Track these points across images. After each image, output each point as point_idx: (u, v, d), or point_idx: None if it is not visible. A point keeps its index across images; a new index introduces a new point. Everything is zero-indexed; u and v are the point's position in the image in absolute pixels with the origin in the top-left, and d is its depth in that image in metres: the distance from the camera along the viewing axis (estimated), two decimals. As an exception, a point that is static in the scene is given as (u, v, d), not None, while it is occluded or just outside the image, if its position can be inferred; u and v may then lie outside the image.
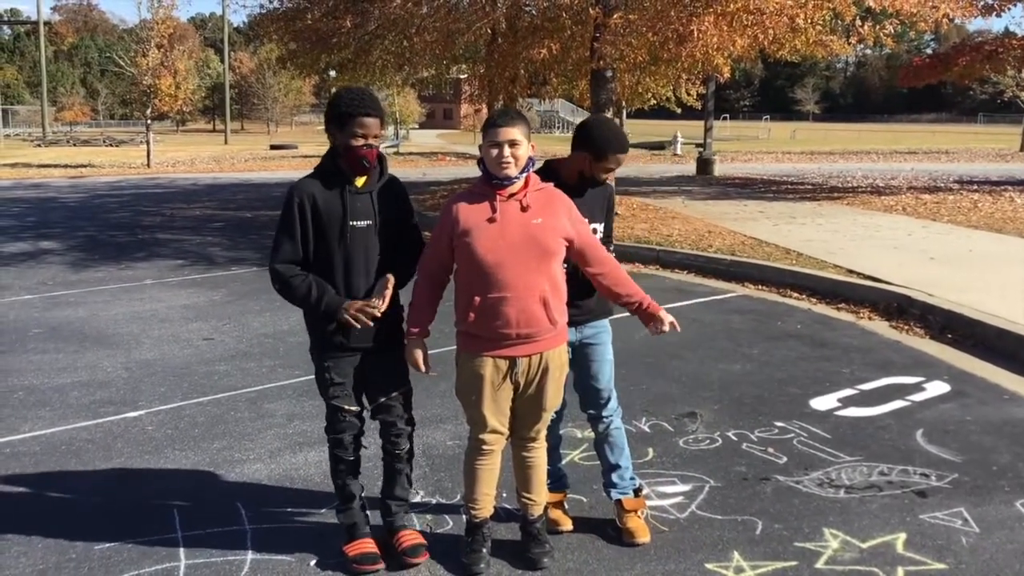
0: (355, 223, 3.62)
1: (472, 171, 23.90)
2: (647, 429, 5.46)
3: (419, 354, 3.64)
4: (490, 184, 3.54)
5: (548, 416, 3.78)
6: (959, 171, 28.31)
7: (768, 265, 10.26)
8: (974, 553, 3.92)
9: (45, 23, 68.52)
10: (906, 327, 7.94)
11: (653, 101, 22.11)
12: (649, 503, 4.30)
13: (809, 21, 12.71)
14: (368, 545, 3.83)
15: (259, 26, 20.56)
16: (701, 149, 29.44)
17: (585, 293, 3.87)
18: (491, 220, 3.49)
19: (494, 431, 3.68)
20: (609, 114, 14.29)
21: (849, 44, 15.08)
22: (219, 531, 4.12)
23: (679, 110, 24.16)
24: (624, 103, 22.22)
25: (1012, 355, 6.98)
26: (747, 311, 8.72)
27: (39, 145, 52.34)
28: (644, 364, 6.73)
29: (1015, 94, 52.36)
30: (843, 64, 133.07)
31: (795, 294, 9.37)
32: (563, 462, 4.34)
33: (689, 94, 22.44)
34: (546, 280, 3.54)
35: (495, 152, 3.48)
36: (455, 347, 3.69)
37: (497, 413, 3.66)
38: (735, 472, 4.80)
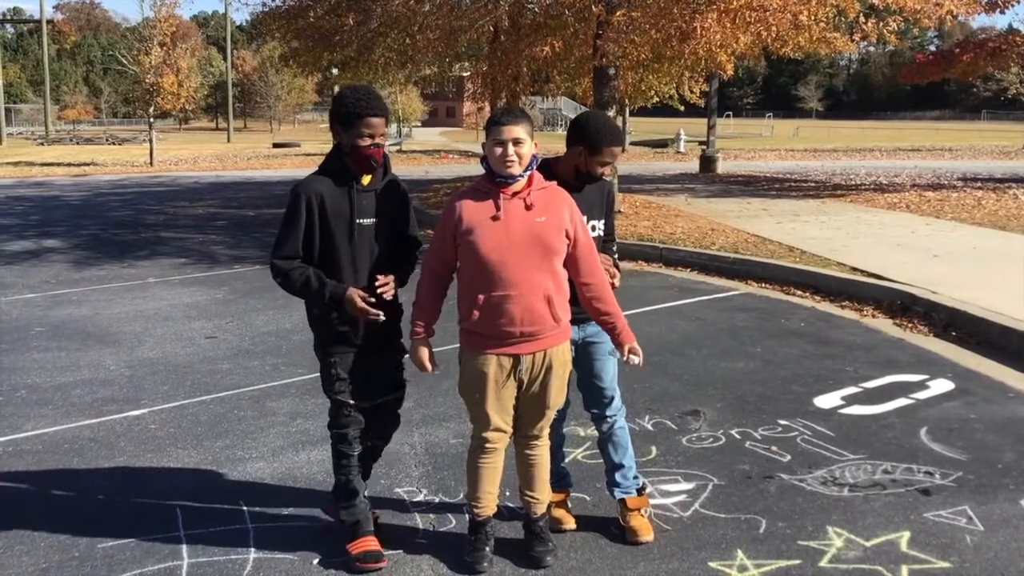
0: (362, 220, 3.66)
1: (475, 169, 23.91)
2: (650, 427, 5.46)
3: (424, 353, 3.64)
4: (494, 182, 3.54)
5: (552, 414, 3.78)
6: (963, 168, 28.27)
7: (771, 263, 10.24)
8: (978, 551, 3.90)
9: (48, 22, 68.58)
10: (910, 325, 7.92)
11: (656, 99, 22.06)
12: (652, 501, 4.30)
13: (812, 18, 12.69)
14: (371, 543, 3.83)
15: (261, 24, 20.57)
16: (704, 147, 29.40)
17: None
18: (495, 218, 3.49)
19: (498, 429, 3.68)
20: (612, 112, 14.28)
21: (852, 41, 15.05)
22: (222, 530, 4.12)
23: (682, 108, 24.10)
24: (627, 101, 22.22)
25: (1016, 353, 6.97)
26: (750, 309, 8.71)
27: (42, 143, 52.37)
28: (647, 362, 6.66)
29: (1019, 91, 52.23)
30: (846, 61, 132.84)
31: (799, 292, 9.36)
32: (566, 460, 4.34)
33: (692, 92, 22.37)
34: (550, 278, 3.54)
35: (499, 151, 3.47)
36: (458, 345, 3.68)
37: (501, 411, 3.65)
38: (739, 470, 4.79)
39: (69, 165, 32.34)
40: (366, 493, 3.95)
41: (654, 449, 5.10)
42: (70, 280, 10.46)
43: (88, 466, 4.92)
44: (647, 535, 3.97)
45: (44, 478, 4.76)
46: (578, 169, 3.89)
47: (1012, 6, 19.96)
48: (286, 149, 45.04)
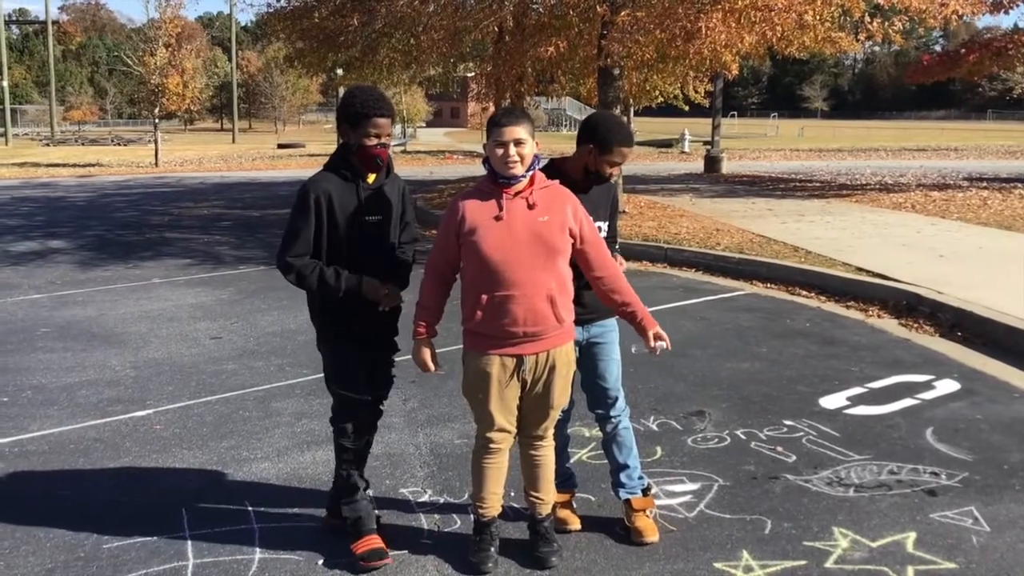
0: (369, 218, 3.73)
1: (479, 169, 23.84)
2: (655, 428, 5.45)
3: (427, 353, 3.64)
4: (496, 183, 3.54)
5: (556, 414, 3.77)
6: (968, 168, 28.22)
7: (776, 263, 10.23)
8: (985, 552, 3.89)
9: (53, 22, 68.72)
10: (915, 325, 7.91)
11: (661, 99, 22.03)
12: (657, 502, 4.29)
13: (818, 18, 12.67)
14: (375, 541, 3.85)
15: (266, 25, 20.56)
16: (709, 147, 29.37)
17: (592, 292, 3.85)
18: (498, 218, 3.49)
19: (502, 429, 3.68)
20: (617, 112, 14.27)
21: (858, 41, 15.03)
22: (227, 530, 4.12)
23: (687, 107, 24.06)
24: (631, 101, 22.19)
25: (1022, 353, 6.95)
26: (755, 309, 8.70)
27: (47, 144, 52.48)
28: (652, 362, 6.70)
29: (1024, 91, 52.10)
30: (851, 61, 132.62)
31: (804, 292, 9.34)
32: (571, 461, 4.33)
33: (697, 91, 22.34)
34: (553, 278, 3.54)
35: (500, 151, 3.47)
36: (462, 346, 3.68)
37: (504, 411, 3.65)
38: (744, 471, 4.78)
39: (74, 166, 32.40)
40: (371, 493, 3.96)
41: (659, 449, 5.09)
42: (75, 281, 10.48)
43: (94, 466, 4.92)
44: (652, 536, 3.97)
45: (50, 478, 4.77)
46: (587, 168, 3.89)
47: (1017, 6, 19.94)
48: (291, 150, 45.05)
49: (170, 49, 32.03)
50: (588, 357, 3.98)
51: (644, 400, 5.91)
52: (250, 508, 4.35)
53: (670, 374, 6.53)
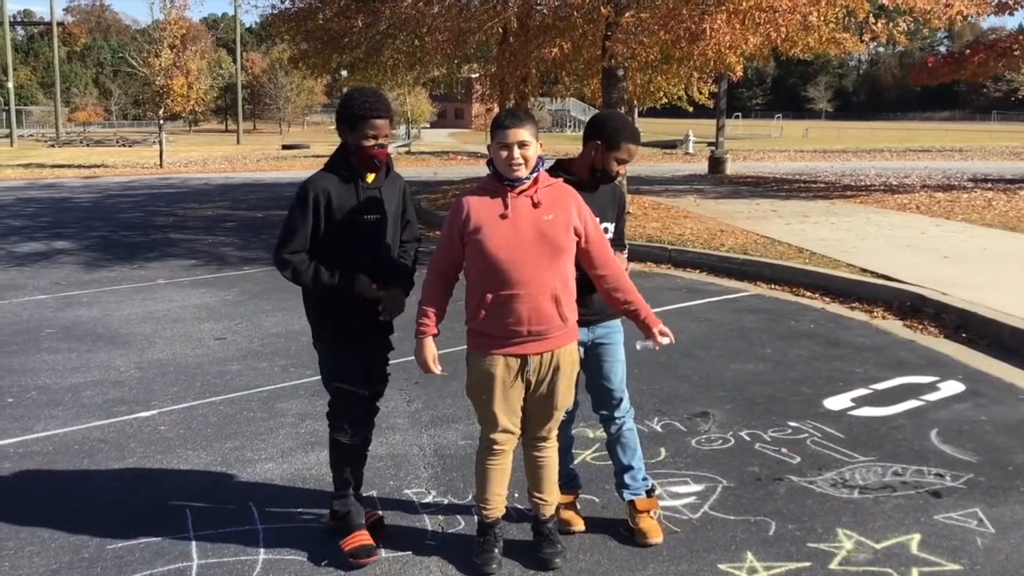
0: (367, 217, 3.75)
1: (484, 170, 23.84)
2: (659, 429, 5.45)
3: (430, 353, 3.63)
4: (500, 183, 3.54)
5: (560, 415, 3.77)
6: (973, 169, 28.18)
7: (781, 264, 10.22)
8: (989, 554, 3.89)
9: (58, 24, 68.88)
10: (920, 326, 7.89)
11: (665, 100, 22.04)
12: (662, 503, 4.29)
13: (822, 19, 12.66)
14: (363, 538, 3.88)
15: (271, 26, 20.62)
16: (713, 148, 29.36)
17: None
18: (503, 217, 3.49)
19: (505, 430, 3.67)
20: (622, 111, 14.27)
21: (862, 42, 15.01)
22: (231, 530, 4.12)
23: (691, 108, 24.07)
24: (636, 102, 22.19)
25: (1027, 354, 6.94)
26: (760, 310, 8.69)
27: (52, 145, 52.58)
28: (656, 363, 6.70)
29: (1029, 92, 52.02)
30: (856, 62, 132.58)
31: (808, 293, 9.33)
32: (575, 462, 4.33)
33: (701, 93, 22.35)
34: (557, 277, 3.54)
35: (505, 154, 3.48)
36: (465, 346, 3.68)
37: (508, 412, 3.65)
38: (748, 472, 4.78)
39: (79, 167, 32.47)
40: (376, 495, 3.96)
41: (663, 451, 5.09)
42: (80, 282, 10.49)
43: (98, 467, 4.93)
44: (656, 537, 3.97)
45: (55, 479, 4.77)
46: (593, 167, 3.90)
47: (1022, 7, 19.89)
48: (295, 151, 45.10)
49: (175, 50, 32.11)
50: (593, 358, 3.98)
51: (648, 401, 5.91)
52: (254, 509, 4.35)
53: (674, 375, 6.53)
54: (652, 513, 4.08)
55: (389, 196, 3.85)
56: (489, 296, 3.49)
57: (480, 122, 62.26)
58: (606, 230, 3.94)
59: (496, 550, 3.79)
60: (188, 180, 27.02)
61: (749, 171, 27.55)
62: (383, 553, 3.89)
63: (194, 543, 4.00)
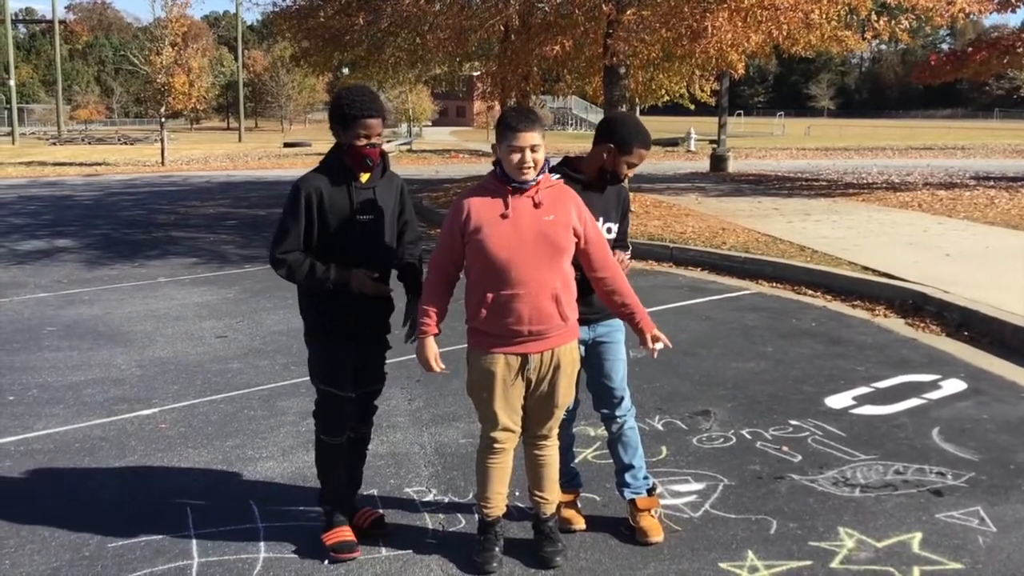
0: (361, 217, 3.73)
1: (485, 168, 23.82)
2: (660, 427, 5.44)
3: (431, 351, 3.63)
4: (504, 183, 3.53)
5: (561, 413, 3.77)
6: (975, 167, 28.15)
7: (782, 262, 10.21)
8: (991, 553, 3.88)
9: (60, 22, 68.93)
10: (922, 324, 7.88)
11: (666, 97, 22.02)
12: (663, 502, 4.28)
13: (824, 16, 12.66)
14: (345, 533, 3.89)
15: (272, 24, 20.62)
16: (715, 146, 29.33)
17: (598, 291, 3.85)
18: (504, 216, 3.48)
19: (506, 429, 3.67)
20: (623, 110, 14.25)
21: (864, 39, 15.01)
22: (232, 529, 4.12)
23: (693, 106, 24.05)
24: (637, 100, 22.19)
25: (1029, 353, 6.93)
26: (761, 308, 8.68)
27: (54, 143, 52.58)
28: (657, 362, 6.65)
29: (1032, 89, 51.91)
30: (858, 60, 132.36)
31: (810, 291, 9.32)
32: (576, 461, 4.33)
33: (703, 90, 22.34)
34: (558, 277, 3.54)
35: (516, 157, 3.46)
36: (466, 345, 3.68)
37: (509, 411, 3.64)
38: (749, 471, 4.77)
39: (81, 165, 32.48)
40: (377, 494, 3.96)
41: (664, 449, 5.08)
42: (82, 280, 10.50)
43: (99, 465, 4.93)
44: (657, 535, 3.96)
45: (55, 477, 4.77)
46: (603, 168, 3.90)
47: (1025, 4, 19.83)
48: (297, 148, 45.13)
49: (176, 48, 32.11)
50: (594, 357, 3.98)
51: (649, 400, 5.90)
52: (255, 507, 4.35)
53: (675, 373, 6.52)
54: (653, 512, 4.07)
55: (385, 196, 3.82)
56: (490, 295, 3.49)
57: (482, 120, 62.34)
58: (609, 230, 3.95)
59: (497, 548, 3.79)
60: (190, 178, 27.02)
61: (751, 169, 27.52)
62: (384, 552, 3.89)
63: (195, 541, 4.00)
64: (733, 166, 26.95)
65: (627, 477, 4.08)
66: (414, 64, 20.48)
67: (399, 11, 16.23)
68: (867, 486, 4.56)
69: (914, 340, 7.47)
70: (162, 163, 32.41)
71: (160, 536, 4.04)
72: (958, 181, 21.95)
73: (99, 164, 32.80)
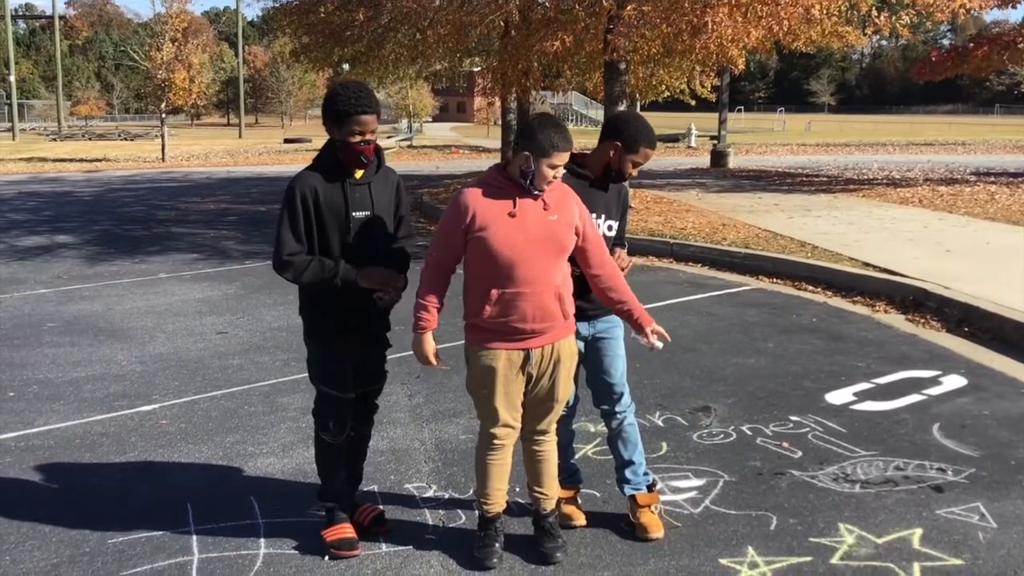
0: (356, 214, 3.70)
1: (485, 164, 23.87)
2: (661, 423, 5.44)
3: (430, 346, 3.62)
4: (513, 183, 3.52)
5: (560, 408, 3.77)
6: (976, 163, 28.13)
7: (783, 258, 10.21)
8: (991, 548, 3.88)
9: (60, 17, 68.88)
10: (922, 320, 7.88)
11: (667, 93, 21.99)
12: (663, 498, 4.28)
13: (824, 12, 12.62)
14: (346, 530, 3.88)
15: (272, 20, 20.61)
16: (715, 141, 29.31)
17: (597, 288, 3.85)
18: (512, 215, 3.48)
19: (506, 425, 3.67)
20: (623, 107, 14.24)
21: (865, 35, 14.97)
22: (232, 525, 4.12)
23: (693, 102, 24.02)
24: (638, 95, 22.17)
25: (1030, 349, 6.92)
26: (762, 304, 8.68)
27: (55, 139, 52.60)
28: (658, 358, 6.68)
29: (1033, 85, 51.86)
30: (859, 55, 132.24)
31: (810, 287, 9.32)
32: (576, 457, 4.33)
33: (703, 86, 22.31)
34: (559, 275, 3.57)
35: (553, 173, 3.50)
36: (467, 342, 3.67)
37: (509, 407, 3.65)
38: (749, 467, 4.77)
39: (81, 161, 32.48)
40: (377, 490, 3.96)
41: (664, 445, 5.09)
42: (82, 276, 10.50)
43: (99, 461, 4.93)
44: (657, 531, 3.96)
45: (56, 473, 4.78)
46: (608, 166, 3.90)
47: (1026, 0, 19.80)
48: (297, 144, 45.13)
49: (176, 44, 32.10)
50: (593, 353, 3.98)
51: (650, 396, 5.90)
52: (255, 503, 4.35)
53: (676, 369, 6.52)
54: (653, 508, 4.07)
55: (380, 192, 3.79)
56: (495, 293, 3.48)
57: (482, 116, 62.23)
58: (610, 228, 3.97)
59: (497, 544, 3.79)
60: (190, 174, 27.02)
61: (751, 165, 27.51)
62: (384, 547, 3.89)
63: (195, 537, 4.00)
64: (733, 162, 26.93)
65: (627, 473, 4.08)
66: (414, 60, 20.43)
67: (399, 7, 16.21)
68: (867, 482, 4.56)
69: (914, 336, 7.47)
70: (163, 159, 32.41)
71: (160, 532, 4.04)
72: (959, 177, 21.93)
73: (99, 160, 32.80)
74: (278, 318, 8.20)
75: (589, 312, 3.85)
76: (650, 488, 4.10)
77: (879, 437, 5.18)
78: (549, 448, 3.82)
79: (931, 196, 17.06)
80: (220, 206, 18.11)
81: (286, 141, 48.00)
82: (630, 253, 4.16)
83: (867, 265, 9.66)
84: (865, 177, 22.27)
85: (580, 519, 4.11)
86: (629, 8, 12.59)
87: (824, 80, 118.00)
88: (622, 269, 3.90)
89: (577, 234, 3.59)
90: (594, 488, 4.44)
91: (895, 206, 15.58)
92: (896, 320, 7.99)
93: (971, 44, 23.13)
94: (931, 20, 15.88)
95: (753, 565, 3.74)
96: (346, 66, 22.17)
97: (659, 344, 3.72)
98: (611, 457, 4.18)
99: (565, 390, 3.72)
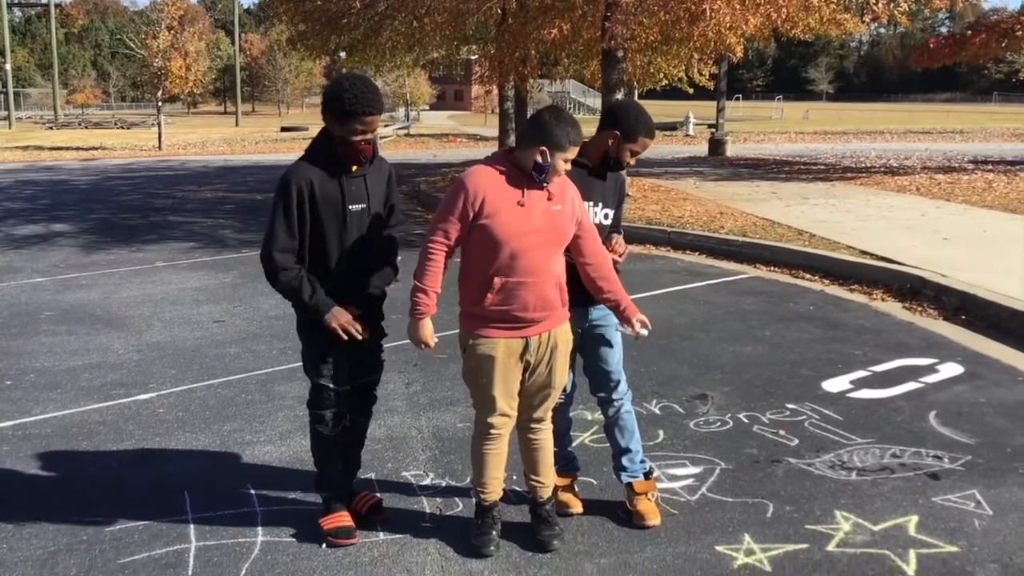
0: (352, 207, 3.67)
1: (482, 152, 23.87)
2: (658, 411, 5.45)
3: (429, 330, 3.60)
4: (521, 171, 3.51)
5: (556, 395, 3.78)
6: (974, 151, 28.11)
7: (780, 246, 10.21)
8: (987, 535, 3.89)
9: (56, 5, 68.60)
10: (919, 308, 7.89)
11: (665, 81, 21.97)
12: (660, 485, 4.29)
13: (823, -1, 12.60)
14: (344, 519, 3.89)
15: (269, 7, 20.59)
16: (713, 130, 29.28)
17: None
18: (520, 204, 3.47)
19: (503, 414, 3.67)
20: (620, 95, 14.20)
21: (863, 23, 14.96)
22: (229, 513, 4.12)
23: (691, 90, 23.99)
24: (636, 84, 22.12)
25: (1026, 336, 6.93)
26: (759, 293, 8.68)
27: (51, 128, 52.43)
28: (655, 345, 6.70)
29: (1031, 73, 51.79)
30: (857, 43, 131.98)
31: (807, 275, 9.32)
32: (573, 445, 4.33)
33: (701, 74, 22.28)
34: (559, 265, 3.59)
35: (564, 168, 3.51)
36: (469, 330, 3.66)
37: (507, 396, 3.65)
38: (746, 454, 4.78)
39: (78, 149, 32.40)
40: (374, 478, 3.96)
41: (661, 433, 5.09)
42: (79, 264, 10.48)
43: (96, 450, 4.93)
44: (654, 519, 3.97)
45: (53, 461, 4.77)
46: (607, 155, 3.90)
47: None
48: (294, 133, 45.02)
49: (172, 32, 32.01)
50: (590, 341, 3.98)
51: (647, 383, 5.91)
52: (252, 491, 4.35)
53: (673, 358, 6.53)
54: (650, 495, 4.08)
55: (374, 183, 3.76)
56: (498, 282, 3.47)
57: (480, 104, 62.10)
58: (607, 216, 3.98)
59: (494, 532, 3.79)
60: (187, 162, 26.96)
61: (749, 153, 27.48)
62: (381, 535, 3.90)
63: (192, 525, 4.01)
64: (731, 150, 26.91)
65: (624, 461, 4.09)
66: (411, 47, 20.39)
67: (396, -6, 16.17)
68: (864, 470, 4.57)
69: (911, 324, 7.47)
70: (159, 147, 32.32)
71: (158, 520, 4.05)
72: (956, 165, 21.92)
73: (96, 148, 32.72)
74: (275, 307, 8.19)
75: (586, 300, 3.84)
76: (647, 476, 4.11)
77: (875, 425, 5.19)
78: (545, 436, 3.82)
79: (929, 184, 17.06)
80: (217, 194, 18.07)
81: (283, 129, 47.92)
82: (627, 241, 4.15)
83: (864, 253, 9.66)
84: (863, 165, 22.25)
85: (577, 507, 4.11)
86: (627, -5, 12.54)
87: (822, 68, 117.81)
88: (619, 255, 3.91)
89: (575, 225, 3.61)
90: (591, 476, 4.45)
91: (893, 194, 15.58)
92: (893, 308, 7.99)
93: (969, 31, 23.05)
94: (929, 7, 15.88)
95: (749, 552, 3.75)
96: (343, 54, 22.11)
97: (644, 332, 3.72)
98: (608, 445, 4.19)
99: (561, 376, 3.73)
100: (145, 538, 3.90)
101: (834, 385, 5.90)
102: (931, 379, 6.03)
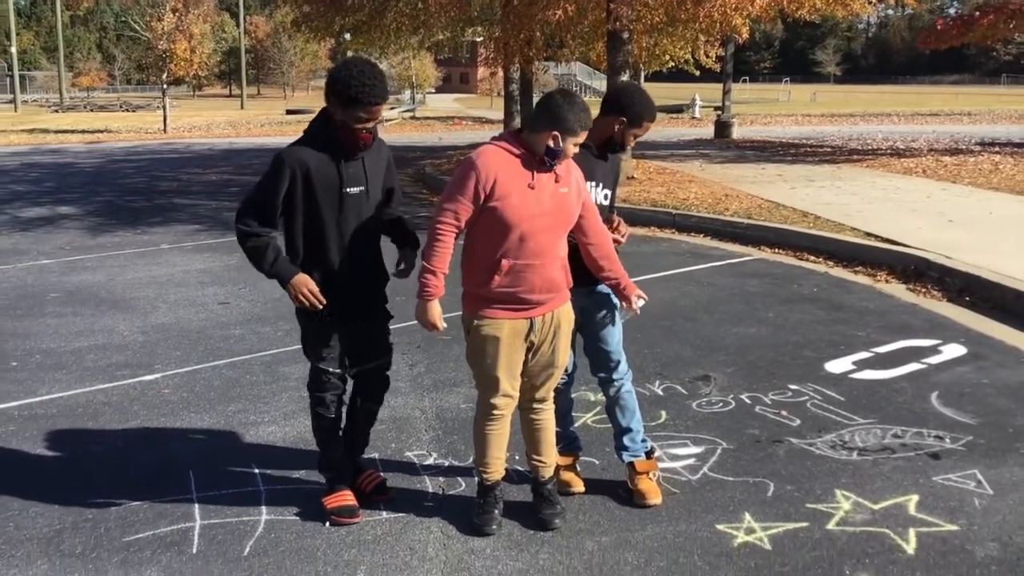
0: (349, 190, 3.65)
1: (488, 135, 23.79)
2: (660, 392, 5.46)
3: (437, 312, 3.58)
4: (531, 153, 3.50)
5: (559, 374, 3.80)
6: (981, 133, 27.99)
7: (785, 228, 10.19)
8: (987, 515, 3.91)
9: (61, -12, 68.31)
10: (923, 290, 7.88)
11: (671, 63, 21.88)
12: (661, 465, 4.31)
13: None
14: (347, 498, 3.91)
15: (273, -11, 20.45)
16: (719, 112, 29.19)
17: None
18: (531, 187, 3.47)
19: (506, 395, 3.68)
20: (626, 77, 14.16)
21: (871, 4, 14.86)
22: (234, 492, 4.16)
23: (697, 72, 23.92)
24: (641, 66, 22.05)
25: (1030, 318, 6.92)
26: (763, 274, 8.68)
27: (56, 111, 52.45)
28: (658, 327, 6.71)
29: (1040, 54, 51.43)
30: (864, 25, 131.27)
31: (812, 257, 9.31)
32: (575, 425, 4.35)
33: (707, 56, 22.20)
34: (564, 247, 3.62)
35: (573, 151, 3.53)
36: (475, 311, 3.66)
37: (510, 377, 3.66)
38: (748, 435, 4.80)
39: (83, 132, 32.42)
40: (378, 457, 3.98)
41: (664, 413, 5.11)
42: (84, 246, 10.51)
43: (102, 429, 4.97)
44: (655, 498, 3.99)
45: (59, 441, 4.81)
46: (611, 138, 3.92)
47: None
48: (300, 115, 44.88)
49: (177, 14, 31.96)
50: (590, 321, 3.99)
51: (650, 364, 5.92)
52: (257, 471, 4.38)
53: (676, 338, 6.54)
54: (651, 475, 4.10)
55: (373, 166, 3.73)
56: (506, 263, 3.47)
57: (485, 87, 61.91)
58: (606, 196, 4.00)
59: (496, 511, 3.82)
60: (192, 145, 26.96)
61: (755, 135, 27.39)
62: (384, 514, 3.93)
63: (197, 504, 4.04)
64: (737, 132, 26.81)
65: (625, 440, 4.11)
66: (416, 29, 20.32)
67: (400, -25, 16.10)
68: (865, 449, 4.58)
69: (915, 305, 7.47)
70: (164, 130, 32.32)
71: (163, 499, 4.08)
72: (963, 147, 21.83)
73: (101, 131, 32.74)
74: (279, 288, 8.11)
75: (586, 280, 3.85)
76: (648, 455, 4.13)
77: (877, 405, 5.20)
78: (547, 416, 3.84)
79: (935, 166, 17.00)
80: (222, 177, 18.08)
81: (288, 112, 47.79)
82: (631, 223, 4.17)
83: (869, 235, 9.64)
84: (869, 147, 22.17)
85: (579, 486, 4.14)
86: (632, -24, 12.49)
87: (830, 50, 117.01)
88: (621, 236, 3.92)
89: (581, 205, 3.63)
90: (593, 456, 4.47)
91: (899, 176, 15.53)
92: (897, 290, 7.99)
93: (977, 13, 22.94)
94: (937, -12, 15.75)
95: (750, 531, 3.77)
96: (347, 35, 22.03)
97: (640, 303, 3.74)
98: (610, 425, 4.20)
99: (564, 356, 3.75)
100: (150, 516, 3.93)
101: (837, 366, 5.91)
102: (934, 360, 6.04)
